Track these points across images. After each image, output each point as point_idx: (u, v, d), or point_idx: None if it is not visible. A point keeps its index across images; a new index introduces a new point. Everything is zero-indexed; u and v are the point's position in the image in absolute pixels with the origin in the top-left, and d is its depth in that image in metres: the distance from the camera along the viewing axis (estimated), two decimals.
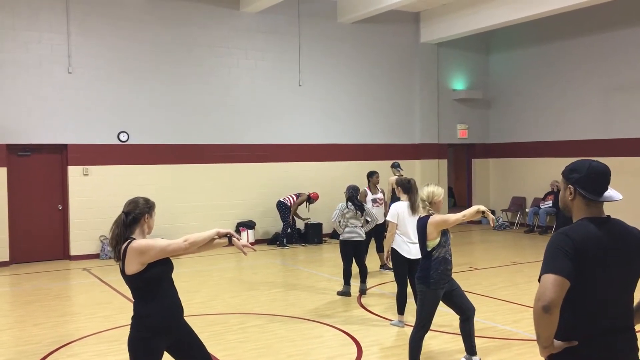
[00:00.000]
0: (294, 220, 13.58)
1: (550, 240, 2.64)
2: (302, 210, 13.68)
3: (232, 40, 13.45)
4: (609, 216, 2.71)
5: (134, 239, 3.72)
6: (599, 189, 2.66)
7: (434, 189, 5.33)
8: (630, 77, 13.58)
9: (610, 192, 2.67)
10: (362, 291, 8.48)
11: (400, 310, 6.96)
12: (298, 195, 13.54)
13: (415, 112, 15.92)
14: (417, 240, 6.84)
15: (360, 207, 8.37)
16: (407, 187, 7.02)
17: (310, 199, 13.57)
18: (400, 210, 6.92)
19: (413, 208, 6.90)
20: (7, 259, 11.29)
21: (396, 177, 9.47)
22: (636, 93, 13.46)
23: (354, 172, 13.56)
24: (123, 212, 3.78)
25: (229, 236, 3.78)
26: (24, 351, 6.27)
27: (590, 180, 2.65)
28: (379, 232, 9.62)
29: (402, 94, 15.74)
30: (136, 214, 3.76)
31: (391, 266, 7.22)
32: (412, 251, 6.84)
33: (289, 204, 13.33)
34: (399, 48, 15.62)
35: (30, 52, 11.46)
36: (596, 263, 2.56)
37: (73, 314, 8.04)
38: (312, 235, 13.67)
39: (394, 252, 6.94)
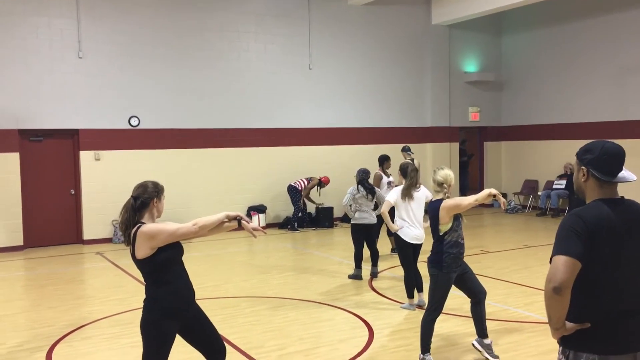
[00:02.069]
0: (304, 204, 13.58)
1: (562, 221, 2.61)
2: (313, 195, 13.68)
3: (242, 24, 13.38)
4: (622, 197, 2.67)
5: (144, 223, 3.72)
6: (612, 170, 2.62)
7: (449, 172, 5.29)
8: None
9: (624, 173, 2.63)
10: (373, 274, 8.49)
11: (410, 293, 6.97)
12: (309, 180, 13.53)
13: (427, 95, 15.80)
14: (421, 224, 6.85)
15: (371, 191, 8.34)
16: (405, 171, 7.00)
17: (322, 183, 13.56)
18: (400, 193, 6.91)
19: (408, 191, 6.87)
20: (22, 244, 11.41)
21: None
22: None
23: (365, 155, 13.54)
24: (132, 196, 3.79)
25: (238, 219, 3.78)
26: (39, 334, 6.35)
27: (604, 161, 2.61)
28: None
29: (413, 77, 15.62)
30: (145, 198, 3.76)
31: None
32: (415, 236, 6.82)
33: (300, 188, 13.33)
34: (410, 30, 15.46)
35: (40, 37, 11.47)
36: (608, 244, 2.53)
37: (87, 298, 8.13)
38: (323, 219, 13.67)
39: (397, 237, 6.93)
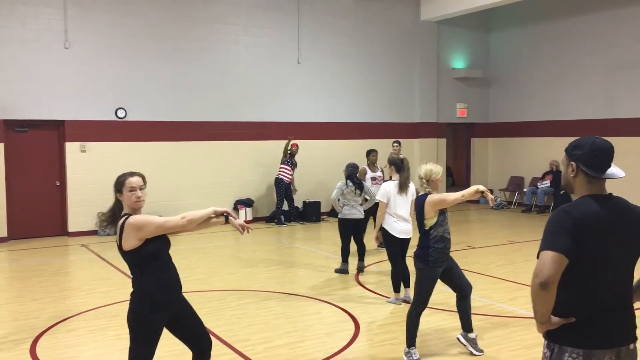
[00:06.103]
0: (291, 199, 13.44)
1: (550, 217, 2.62)
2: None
3: (231, 17, 13.31)
4: (610, 194, 2.69)
5: (130, 214, 3.72)
6: (601, 166, 2.63)
7: (432, 167, 5.31)
8: (633, 55, 13.46)
9: (613, 169, 2.64)
10: (360, 269, 8.51)
11: (396, 288, 6.99)
12: (287, 164, 13.31)
13: (415, 91, 15.84)
14: (408, 219, 6.88)
15: (359, 185, 8.36)
16: (400, 166, 7.01)
17: (291, 147, 13.41)
18: (389, 189, 6.92)
19: (402, 187, 6.90)
20: (5, 235, 11.30)
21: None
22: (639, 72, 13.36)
23: (354, 150, 13.54)
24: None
25: (225, 215, 3.78)
26: (23, 325, 6.30)
27: (593, 157, 2.62)
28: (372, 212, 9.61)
29: (401, 73, 15.64)
30: (115, 192, 3.84)
31: (380, 244, 7.25)
32: (402, 230, 6.85)
33: (286, 179, 13.18)
34: (399, 26, 15.48)
35: (26, 27, 11.33)
36: (596, 240, 2.55)
37: (72, 290, 8.07)
38: (311, 213, 13.68)
39: (384, 231, 6.94)
